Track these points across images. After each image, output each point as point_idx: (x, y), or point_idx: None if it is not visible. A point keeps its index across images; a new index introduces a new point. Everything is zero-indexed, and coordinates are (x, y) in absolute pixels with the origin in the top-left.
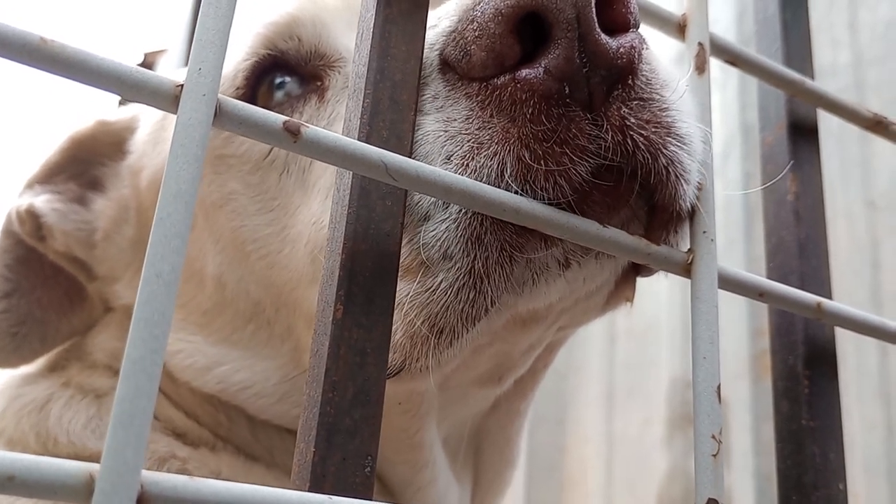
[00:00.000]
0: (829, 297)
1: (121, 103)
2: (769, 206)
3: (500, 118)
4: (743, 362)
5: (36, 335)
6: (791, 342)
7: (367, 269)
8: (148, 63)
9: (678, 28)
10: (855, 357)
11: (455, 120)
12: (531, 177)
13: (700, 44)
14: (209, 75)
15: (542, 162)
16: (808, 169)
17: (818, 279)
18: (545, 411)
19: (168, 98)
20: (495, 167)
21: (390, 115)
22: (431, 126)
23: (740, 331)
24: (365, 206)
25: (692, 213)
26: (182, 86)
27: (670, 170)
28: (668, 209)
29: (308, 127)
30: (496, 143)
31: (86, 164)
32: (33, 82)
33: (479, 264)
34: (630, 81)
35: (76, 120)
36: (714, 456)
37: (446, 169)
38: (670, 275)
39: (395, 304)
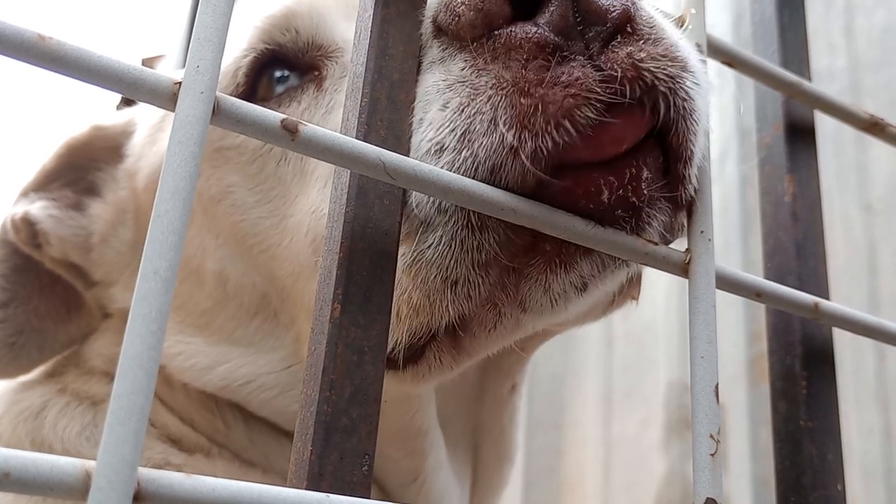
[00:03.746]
0: (827, 297)
1: (118, 108)
2: (766, 208)
3: (494, 65)
4: (740, 366)
5: (33, 345)
6: (789, 343)
7: (364, 268)
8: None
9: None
10: (852, 362)
11: (452, 72)
12: (530, 121)
13: (697, 44)
14: (207, 73)
15: (540, 107)
16: (806, 170)
17: (816, 280)
18: (543, 414)
19: (166, 95)
20: (489, 111)
21: (388, 115)
22: (430, 80)
23: (737, 335)
24: (363, 205)
25: (691, 203)
26: (180, 83)
27: (687, 106)
28: (681, 157)
29: (306, 125)
30: (491, 88)
31: (82, 169)
32: (29, 86)
33: (473, 216)
34: (629, 28)
35: (71, 125)
36: (712, 455)
37: (443, 114)
38: (668, 278)
39: (403, 267)
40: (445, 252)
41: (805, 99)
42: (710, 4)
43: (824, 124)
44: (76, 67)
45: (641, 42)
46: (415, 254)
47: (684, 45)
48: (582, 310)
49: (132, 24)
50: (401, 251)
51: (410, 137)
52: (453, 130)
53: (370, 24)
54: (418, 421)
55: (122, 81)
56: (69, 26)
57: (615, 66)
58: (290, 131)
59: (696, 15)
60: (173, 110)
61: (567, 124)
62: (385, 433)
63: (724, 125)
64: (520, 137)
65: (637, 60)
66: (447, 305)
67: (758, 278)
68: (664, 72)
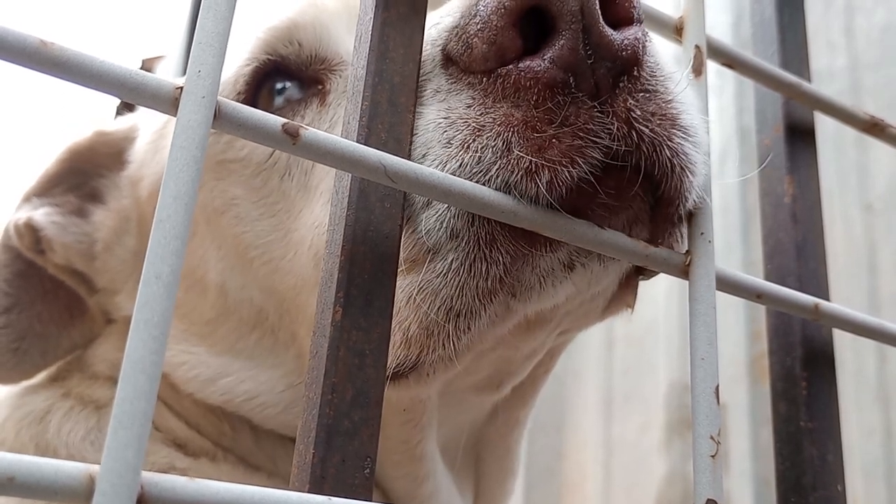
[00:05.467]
0: (827, 298)
1: (118, 113)
2: (766, 209)
3: (503, 104)
4: (740, 366)
5: (37, 350)
6: (789, 344)
7: (365, 272)
8: (146, 69)
9: (675, 30)
10: (853, 363)
11: (456, 108)
12: (534, 166)
13: (697, 46)
14: (209, 77)
15: (546, 151)
16: (805, 171)
17: (816, 281)
18: (543, 417)
19: (168, 100)
20: (501, 144)
21: (389, 118)
22: (432, 115)
23: (737, 335)
24: (364, 209)
25: (697, 207)
26: (182, 88)
27: (675, 161)
28: (673, 201)
29: (307, 129)
30: (498, 125)
31: (84, 175)
32: (30, 90)
33: (484, 232)
34: (636, 73)
35: (74, 130)
36: (713, 457)
37: (447, 152)
38: (668, 280)
39: (406, 298)
40: (453, 279)
41: (805, 100)
42: (710, 5)
43: (824, 124)
44: (78, 73)
45: (640, 94)
46: (421, 283)
47: (683, 97)
48: (573, 296)
49: (132, 25)
50: (406, 280)
51: (412, 141)
52: (462, 165)
53: (371, 28)
54: (421, 449)
55: (124, 86)
56: (69, 27)
57: (613, 118)
58: (291, 135)
59: (696, 15)
60: (175, 115)
61: (568, 174)
62: (383, 450)
63: (723, 128)
64: (537, 163)
65: (631, 118)
66: (443, 340)
67: (758, 280)
68: (653, 131)
